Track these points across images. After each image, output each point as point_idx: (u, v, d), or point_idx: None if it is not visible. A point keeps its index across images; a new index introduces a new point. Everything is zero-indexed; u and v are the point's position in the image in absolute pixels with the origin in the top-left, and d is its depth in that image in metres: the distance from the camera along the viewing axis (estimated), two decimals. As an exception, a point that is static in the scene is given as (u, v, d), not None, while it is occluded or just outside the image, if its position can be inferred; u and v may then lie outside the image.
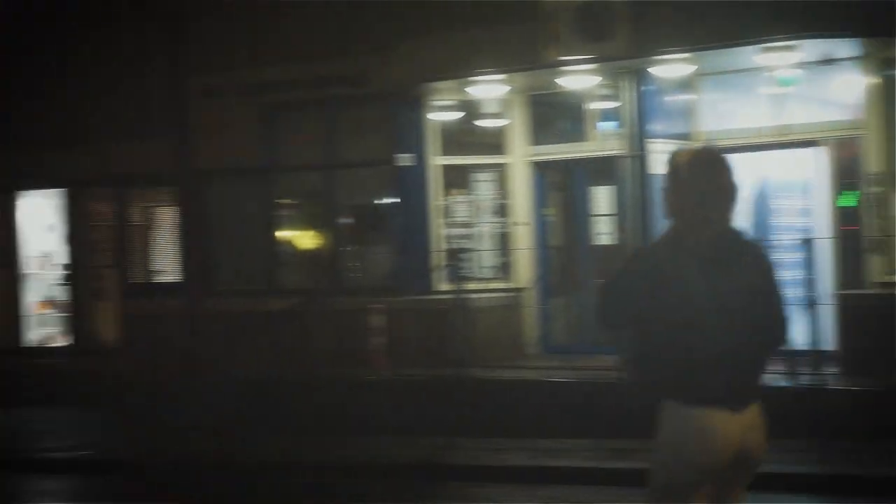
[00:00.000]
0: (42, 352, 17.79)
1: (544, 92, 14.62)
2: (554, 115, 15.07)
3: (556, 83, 14.04)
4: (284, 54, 15.63)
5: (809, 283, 12.20)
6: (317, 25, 15.41)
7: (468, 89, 14.61)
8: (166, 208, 17.07)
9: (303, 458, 12.20)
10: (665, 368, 4.75)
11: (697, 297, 4.68)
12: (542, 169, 15.10)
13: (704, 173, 4.78)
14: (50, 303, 18.04)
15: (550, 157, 14.95)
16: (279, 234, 16.28)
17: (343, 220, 15.90)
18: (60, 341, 17.83)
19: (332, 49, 15.29)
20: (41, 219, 18.01)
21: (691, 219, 4.77)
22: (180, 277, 16.50)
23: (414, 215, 15.00)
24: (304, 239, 16.42)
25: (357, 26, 15.10)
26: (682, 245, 4.75)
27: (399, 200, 15.26)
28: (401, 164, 14.99)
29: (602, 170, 14.49)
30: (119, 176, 17.04)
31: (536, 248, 15.05)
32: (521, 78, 14.27)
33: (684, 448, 4.67)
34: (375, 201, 15.96)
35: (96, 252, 17.62)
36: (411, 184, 15.03)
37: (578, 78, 13.88)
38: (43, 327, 18.05)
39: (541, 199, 15.18)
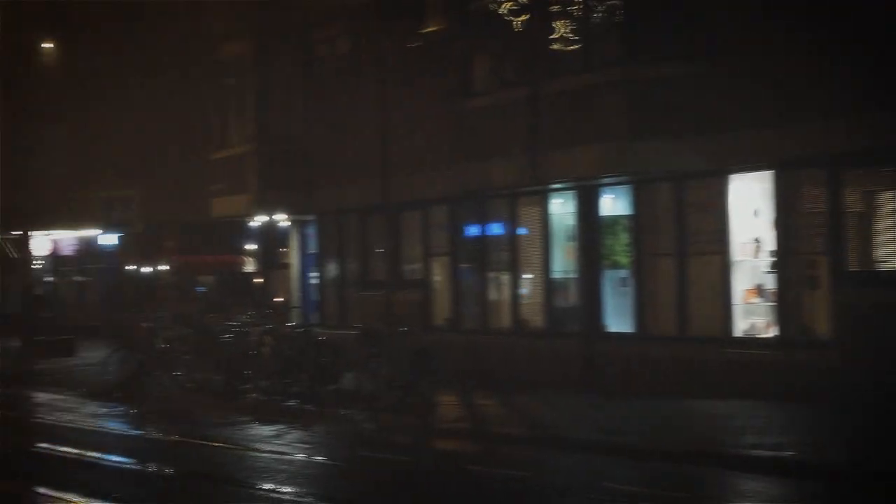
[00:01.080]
0: (749, 342, 16.99)
1: None
2: None
3: None
4: None
5: None
6: None
7: None
8: (886, 191, 15.37)
9: None
10: None
11: None
12: None
13: None
14: (757, 291, 17.17)
15: None
16: None
17: None
18: (767, 331, 16.90)
19: None
20: (749, 202, 17.17)
21: None
22: (902, 266, 14.93)
23: None
24: None
25: None
26: None
27: None
28: None
29: None
30: (830, 156, 15.61)
31: None
32: None
33: None
34: None
35: (807, 238, 16.41)
36: None
37: None
38: (750, 316, 17.24)
39: None
